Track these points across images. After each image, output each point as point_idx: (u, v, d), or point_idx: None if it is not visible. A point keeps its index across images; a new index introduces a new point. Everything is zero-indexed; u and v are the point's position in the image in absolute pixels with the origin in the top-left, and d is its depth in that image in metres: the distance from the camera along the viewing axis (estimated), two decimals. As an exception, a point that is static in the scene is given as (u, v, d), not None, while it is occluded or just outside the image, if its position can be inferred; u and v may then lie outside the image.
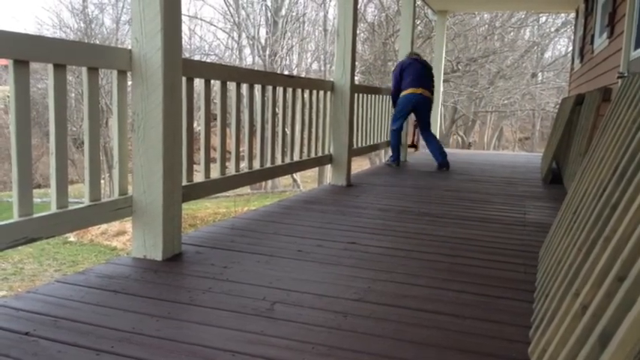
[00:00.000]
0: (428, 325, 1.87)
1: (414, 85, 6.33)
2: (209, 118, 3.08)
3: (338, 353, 1.65)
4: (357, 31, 6.02)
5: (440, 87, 9.22)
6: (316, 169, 17.54)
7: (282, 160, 4.19)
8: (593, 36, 5.96)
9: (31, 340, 1.65)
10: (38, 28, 25.38)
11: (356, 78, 13.18)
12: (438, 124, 9.31)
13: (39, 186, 18.13)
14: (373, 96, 6.33)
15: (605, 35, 4.96)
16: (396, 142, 6.59)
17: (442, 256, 2.74)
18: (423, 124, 6.50)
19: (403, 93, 6.37)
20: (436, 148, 6.43)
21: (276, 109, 4.05)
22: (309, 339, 1.73)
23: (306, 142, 4.55)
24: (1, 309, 1.87)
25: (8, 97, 2.43)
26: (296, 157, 4.41)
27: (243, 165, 3.65)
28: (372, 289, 2.22)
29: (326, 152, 4.89)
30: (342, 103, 4.75)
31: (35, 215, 2.08)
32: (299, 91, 4.31)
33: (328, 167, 5.23)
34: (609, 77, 4.51)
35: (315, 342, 1.71)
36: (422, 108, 6.40)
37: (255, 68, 20.81)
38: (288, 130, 4.26)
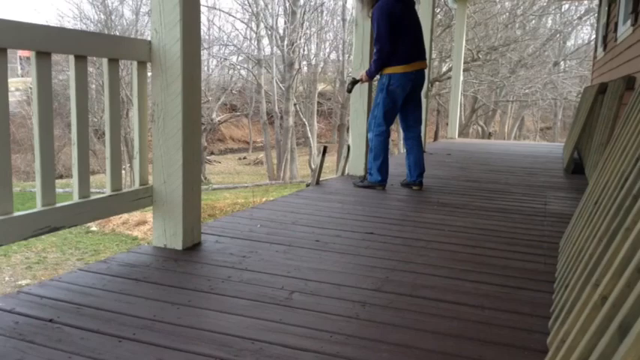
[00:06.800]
0: (447, 316, 1.87)
1: (410, 58, 3.95)
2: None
3: (356, 342, 1.65)
4: (376, 21, 5.95)
5: (460, 76, 9.11)
6: (334, 159, 17.53)
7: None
8: (616, 23, 5.84)
9: (54, 326, 1.69)
10: (59, 20, 25.68)
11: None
12: (457, 114, 9.21)
13: (61, 176, 18.43)
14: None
15: (629, 22, 4.86)
16: (379, 151, 4.12)
17: (462, 246, 2.73)
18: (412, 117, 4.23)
19: (395, 70, 3.97)
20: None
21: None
22: (328, 328, 1.74)
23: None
24: (25, 296, 1.91)
25: (31, 88, 2.47)
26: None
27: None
28: (391, 279, 2.22)
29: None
30: (361, 93, 4.73)
31: (58, 205, 2.11)
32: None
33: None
34: (633, 65, 4.42)
35: (333, 331, 1.72)
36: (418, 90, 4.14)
37: (274, 58, 20.82)
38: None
